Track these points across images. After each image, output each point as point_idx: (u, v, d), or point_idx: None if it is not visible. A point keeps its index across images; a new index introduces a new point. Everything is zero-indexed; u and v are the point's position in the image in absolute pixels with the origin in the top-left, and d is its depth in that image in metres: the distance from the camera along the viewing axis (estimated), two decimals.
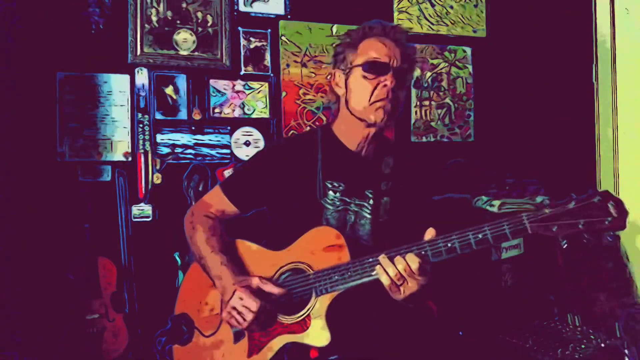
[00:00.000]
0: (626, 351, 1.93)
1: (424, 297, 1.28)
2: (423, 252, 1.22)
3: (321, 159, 1.51)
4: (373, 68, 1.43)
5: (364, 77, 1.44)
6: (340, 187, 1.50)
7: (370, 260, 1.28)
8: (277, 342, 1.35)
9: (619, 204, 1.08)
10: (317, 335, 1.30)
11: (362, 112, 1.46)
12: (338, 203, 1.49)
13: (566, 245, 1.15)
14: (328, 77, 2.31)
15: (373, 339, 1.41)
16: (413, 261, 1.19)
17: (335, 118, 1.59)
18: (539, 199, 2.17)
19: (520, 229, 1.15)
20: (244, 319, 1.33)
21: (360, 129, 1.49)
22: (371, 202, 1.50)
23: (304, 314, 1.34)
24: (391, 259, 1.22)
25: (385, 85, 1.41)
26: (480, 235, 1.18)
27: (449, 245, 1.20)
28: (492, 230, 1.17)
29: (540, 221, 1.12)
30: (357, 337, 1.38)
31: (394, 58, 1.43)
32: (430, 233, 1.24)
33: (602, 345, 1.92)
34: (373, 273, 1.26)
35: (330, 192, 1.50)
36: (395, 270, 1.20)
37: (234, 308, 1.35)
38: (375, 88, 1.43)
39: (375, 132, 1.50)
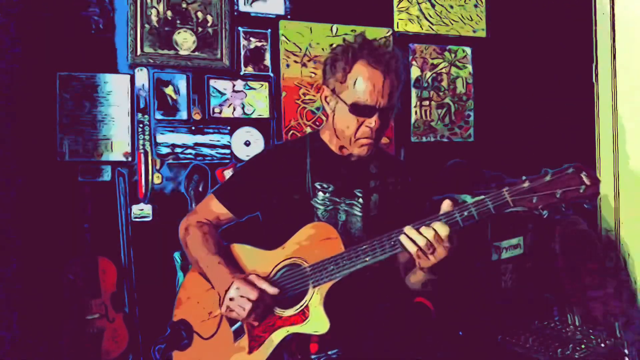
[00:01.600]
0: (626, 351, 1.93)
1: (446, 267, 1.32)
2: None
3: (310, 163, 1.56)
4: (358, 111, 1.44)
5: (351, 115, 1.45)
6: (330, 188, 1.55)
7: (365, 247, 1.33)
8: (278, 335, 1.38)
9: (591, 174, 1.16)
10: (317, 323, 1.33)
11: (345, 143, 1.51)
12: (328, 203, 1.54)
13: (547, 215, 1.21)
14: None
15: (372, 326, 1.44)
16: (443, 229, 1.23)
17: (323, 125, 1.65)
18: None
19: (503, 203, 1.21)
20: (243, 309, 1.35)
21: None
22: (361, 200, 1.55)
23: (302, 305, 1.37)
24: (417, 229, 1.25)
25: (369, 126, 1.44)
26: (465, 213, 1.24)
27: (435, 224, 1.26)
28: (477, 208, 1.23)
29: (521, 194, 1.19)
30: (355, 323, 1.42)
31: (381, 97, 1.42)
32: (447, 204, 1.27)
33: (602, 345, 1.92)
34: (367, 259, 1.32)
35: (320, 193, 1.55)
36: (425, 239, 1.23)
37: (232, 299, 1.36)
38: (360, 125, 1.45)
39: None
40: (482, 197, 1.23)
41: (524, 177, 1.21)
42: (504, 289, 2.25)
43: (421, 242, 1.23)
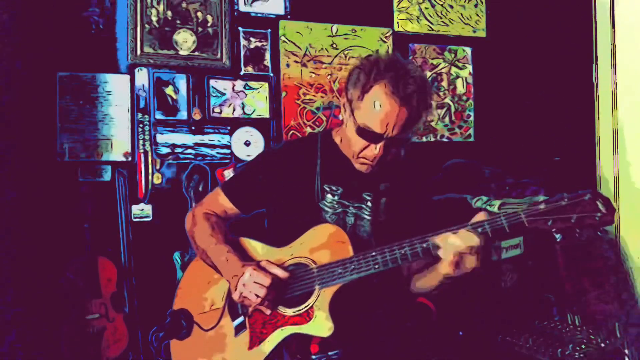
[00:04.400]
0: (626, 351, 1.93)
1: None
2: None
3: (320, 164, 1.54)
4: (365, 135, 1.39)
5: (356, 133, 1.41)
6: (339, 191, 1.53)
7: (374, 254, 1.31)
8: (279, 334, 1.37)
9: (607, 202, 1.17)
10: (321, 325, 1.32)
11: (349, 155, 1.48)
12: (336, 206, 1.52)
13: (561, 239, 1.24)
14: (328, 78, 2.33)
15: (375, 330, 1.43)
16: (472, 239, 1.21)
17: (337, 126, 1.62)
18: (539, 199, 2.18)
19: (518, 223, 1.21)
20: (257, 295, 1.34)
21: None
22: (369, 204, 1.53)
23: (307, 306, 1.36)
24: (446, 238, 1.23)
25: (373, 151, 1.40)
26: (479, 230, 1.22)
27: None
28: (491, 225, 1.22)
29: (536, 216, 1.20)
30: (359, 328, 1.41)
31: (392, 126, 1.35)
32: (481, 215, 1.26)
33: (602, 345, 1.92)
34: (377, 266, 1.30)
35: (329, 196, 1.53)
36: (455, 250, 1.21)
37: (245, 285, 1.36)
38: (365, 147, 1.41)
39: None
40: (497, 216, 1.23)
41: (540, 199, 1.21)
42: (504, 289, 2.25)
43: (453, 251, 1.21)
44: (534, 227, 1.20)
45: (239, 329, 1.44)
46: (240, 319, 1.44)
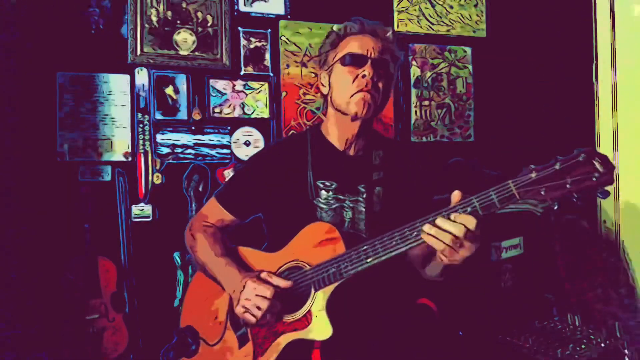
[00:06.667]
0: (626, 351, 1.93)
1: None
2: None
3: (311, 160, 1.52)
4: (351, 60, 1.45)
5: (345, 71, 1.46)
6: (333, 186, 1.50)
7: (365, 247, 1.27)
8: (281, 342, 1.35)
9: (605, 160, 1.05)
10: (320, 329, 1.31)
11: (344, 105, 1.47)
12: (332, 201, 1.49)
13: (557, 207, 1.12)
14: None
15: (374, 331, 1.41)
16: (469, 220, 1.13)
17: (323, 119, 1.61)
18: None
19: (508, 196, 1.12)
20: (259, 308, 1.32)
21: (346, 125, 1.50)
22: (365, 195, 1.49)
23: (305, 310, 1.34)
24: (438, 225, 1.15)
25: (364, 76, 1.43)
26: (469, 209, 1.15)
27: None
28: (480, 201, 1.14)
29: (528, 186, 1.10)
30: (358, 328, 1.38)
31: (372, 50, 1.46)
32: (456, 196, 1.18)
33: (602, 345, 1.92)
34: (368, 260, 1.26)
35: (323, 192, 1.50)
36: (450, 236, 1.14)
37: (248, 299, 1.34)
38: (355, 79, 1.44)
39: (362, 127, 1.50)
40: (486, 191, 1.14)
41: (532, 166, 1.11)
42: (504, 289, 2.25)
43: (447, 238, 1.14)
44: (527, 198, 1.10)
45: (242, 341, 1.42)
46: (243, 329, 1.42)
